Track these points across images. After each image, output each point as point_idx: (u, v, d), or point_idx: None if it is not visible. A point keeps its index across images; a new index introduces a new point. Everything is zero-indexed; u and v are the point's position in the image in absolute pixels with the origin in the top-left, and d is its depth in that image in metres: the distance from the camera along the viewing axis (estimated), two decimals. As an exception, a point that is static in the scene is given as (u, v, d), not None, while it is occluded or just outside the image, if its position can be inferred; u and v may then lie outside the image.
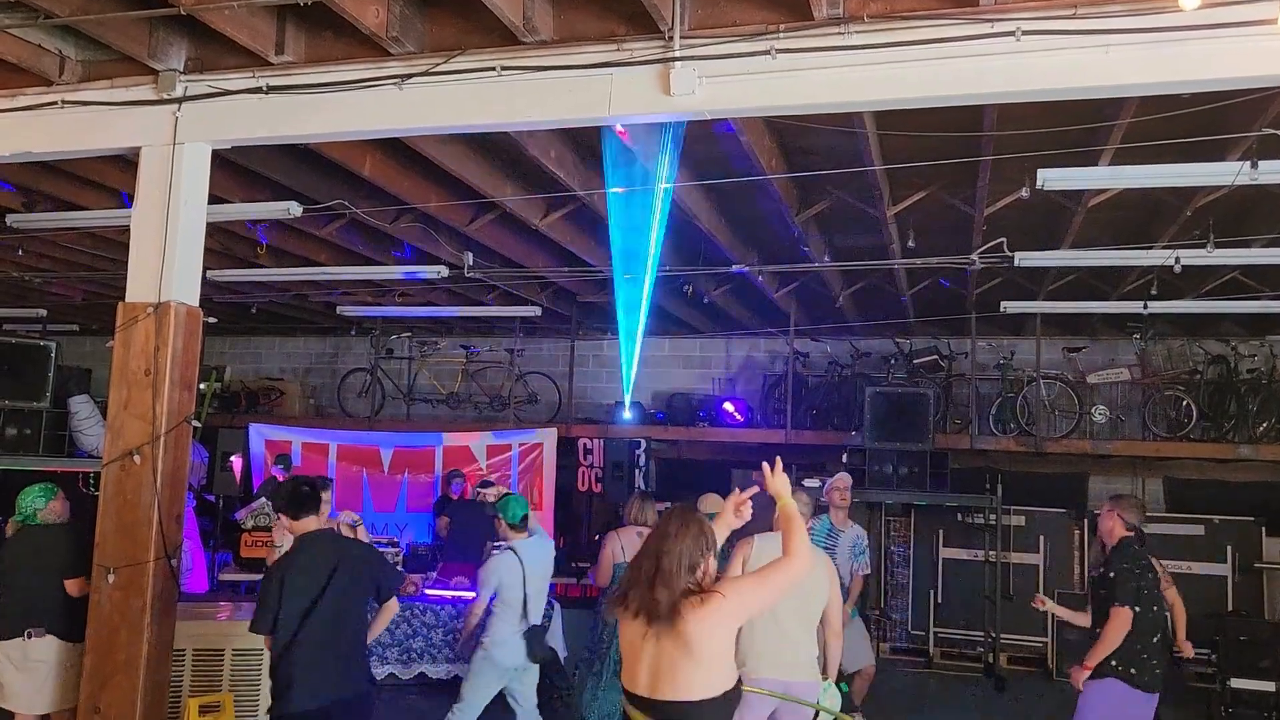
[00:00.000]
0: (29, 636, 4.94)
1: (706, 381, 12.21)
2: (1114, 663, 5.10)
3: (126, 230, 8.07)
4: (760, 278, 8.59)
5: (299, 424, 11.56)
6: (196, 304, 4.84)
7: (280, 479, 9.74)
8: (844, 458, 9.48)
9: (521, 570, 5.52)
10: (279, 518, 7.16)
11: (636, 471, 10.49)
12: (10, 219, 7.30)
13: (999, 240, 6.94)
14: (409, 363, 12.32)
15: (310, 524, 4.55)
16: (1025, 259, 6.89)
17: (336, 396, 12.46)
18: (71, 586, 4.96)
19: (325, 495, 7.34)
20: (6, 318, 12.09)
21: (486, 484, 9.78)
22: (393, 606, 4.74)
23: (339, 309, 11.04)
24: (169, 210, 4.73)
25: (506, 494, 6.13)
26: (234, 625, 5.32)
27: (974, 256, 7.16)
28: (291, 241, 8.40)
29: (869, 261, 7.83)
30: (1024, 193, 5.44)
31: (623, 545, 6.41)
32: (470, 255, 8.42)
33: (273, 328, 13.37)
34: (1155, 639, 5.12)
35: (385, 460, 10.88)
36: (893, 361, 10.75)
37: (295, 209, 6.70)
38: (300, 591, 4.35)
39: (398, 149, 6.11)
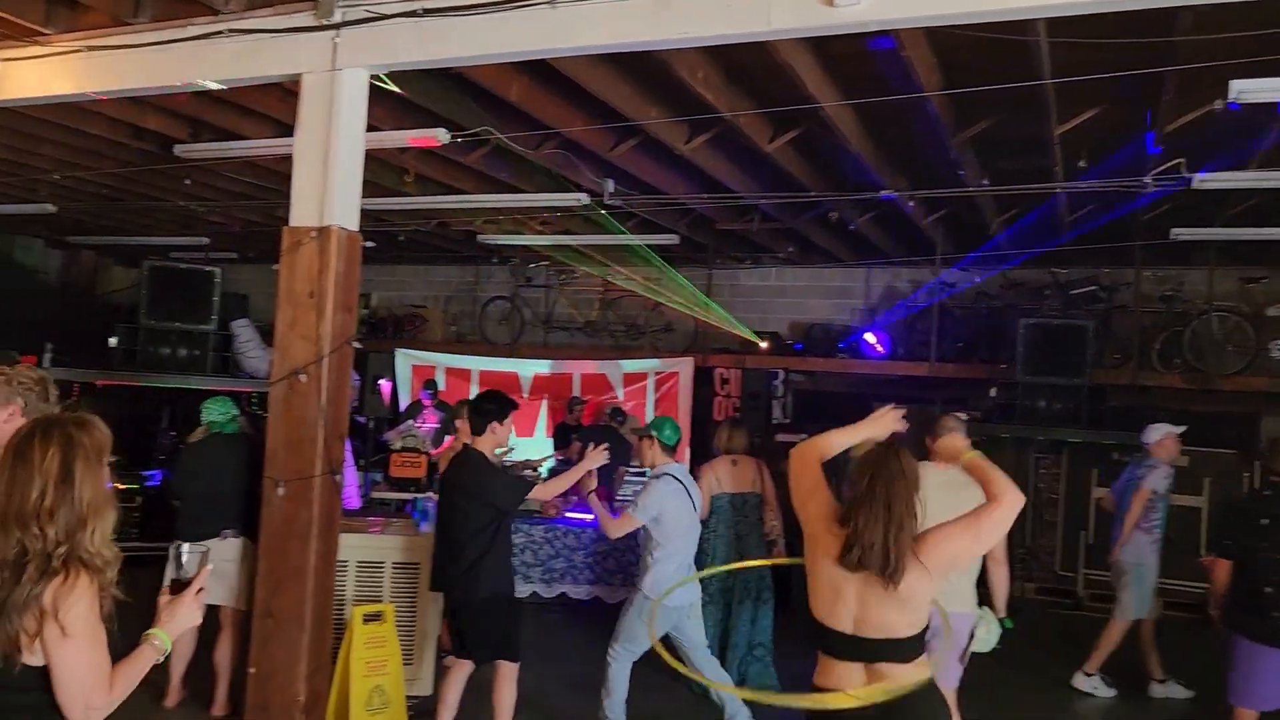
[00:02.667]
0: (224, 537, 5.28)
1: (846, 312, 11.91)
2: (1235, 613, 4.85)
3: (284, 159, 8.37)
4: (911, 204, 8.26)
5: (442, 349, 11.86)
6: (356, 228, 4.95)
7: (427, 403, 10.06)
8: (992, 392, 9.15)
9: (689, 496, 5.26)
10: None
11: (774, 403, 10.40)
12: (177, 149, 7.61)
13: (1177, 161, 6.45)
14: (547, 291, 12.46)
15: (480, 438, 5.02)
16: (1206, 181, 6.38)
17: (478, 323, 12.71)
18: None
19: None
20: (173, 246, 12.76)
21: (619, 413, 9.88)
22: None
23: (479, 238, 11.21)
24: (330, 136, 4.82)
25: (660, 417, 6.02)
26: (393, 539, 5.53)
27: (1148, 179, 6.69)
28: (437, 169, 8.51)
29: (1030, 185, 7.41)
30: (1216, 105, 5.00)
31: (717, 477, 6.33)
32: (611, 182, 8.37)
33: (416, 256, 13.69)
34: (1269, 588, 4.70)
35: (525, 386, 11.09)
36: (1047, 292, 10.25)
37: (443, 135, 6.77)
38: (441, 503, 5.01)
39: (544, 73, 6.05)
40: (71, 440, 2.31)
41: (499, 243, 11.26)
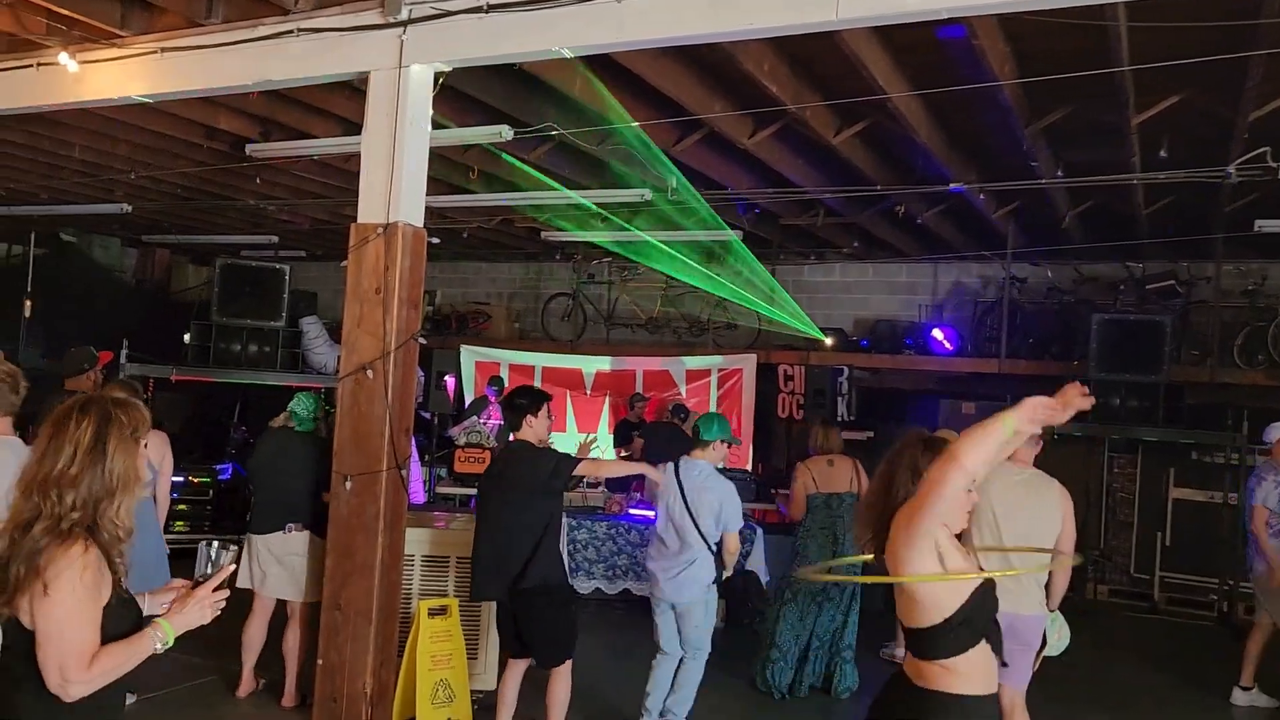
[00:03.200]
0: (288, 530, 5.34)
1: (912, 308, 11.71)
2: None
3: (351, 157, 8.46)
4: (981, 197, 8.08)
5: (506, 346, 11.92)
6: (421, 225, 4.97)
7: (492, 400, 10.13)
8: (1066, 389, 8.88)
9: (678, 487, 5.19)
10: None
11: (839, 399, 10.26)
12: (249, 148, 7.75)
13: (1261, 150, 6.21)
14: (609, 287, 12.46)
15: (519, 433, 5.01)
16: (1294, 171, 6.13)
17: (540, 320, 12.74)
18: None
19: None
20: (244, 244, 13.03)
21: (681, 409, 9.84)
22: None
23: (543, 234, 11.24)
24: (396, 134, 4.85)
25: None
26: (457, 535, 5.56)
27: (1230, 169, 6.45)
28: (501, 166, 8.54)
29: (1106, 177, 7.19)
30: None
31: (814, 476, 6.28)
32: (674, 178, 8.34)
33: (479, 253, 13.80)
34: None
35: (588, 382, 11.11)
36: (1122, 287, 9.97)
37: (507, 133, 6.78)
38: (483, 493, 5.02)
39: (609, 67, 6.02)
40: (108, 414, 2.36)
41: (562, 239, 11.28)
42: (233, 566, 2.55)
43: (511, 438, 5.10)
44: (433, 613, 5.01)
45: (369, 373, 4.85)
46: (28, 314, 8.50)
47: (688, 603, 5.17)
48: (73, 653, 2.24)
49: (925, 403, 10.46)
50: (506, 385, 10.51)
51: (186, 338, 8.56)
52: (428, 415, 10.73)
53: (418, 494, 10.66)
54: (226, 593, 2.52)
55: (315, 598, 5.25)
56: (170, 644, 2.41)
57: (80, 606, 2.25)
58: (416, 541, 5.37)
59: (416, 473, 10.86)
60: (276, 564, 5.35)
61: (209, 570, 2.51)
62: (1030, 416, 2.50)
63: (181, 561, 5.94)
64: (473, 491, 8.95)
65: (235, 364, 8.73)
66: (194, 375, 8.56)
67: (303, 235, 12.70)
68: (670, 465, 5.30)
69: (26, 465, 2.36)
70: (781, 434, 10.95)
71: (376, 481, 4.81)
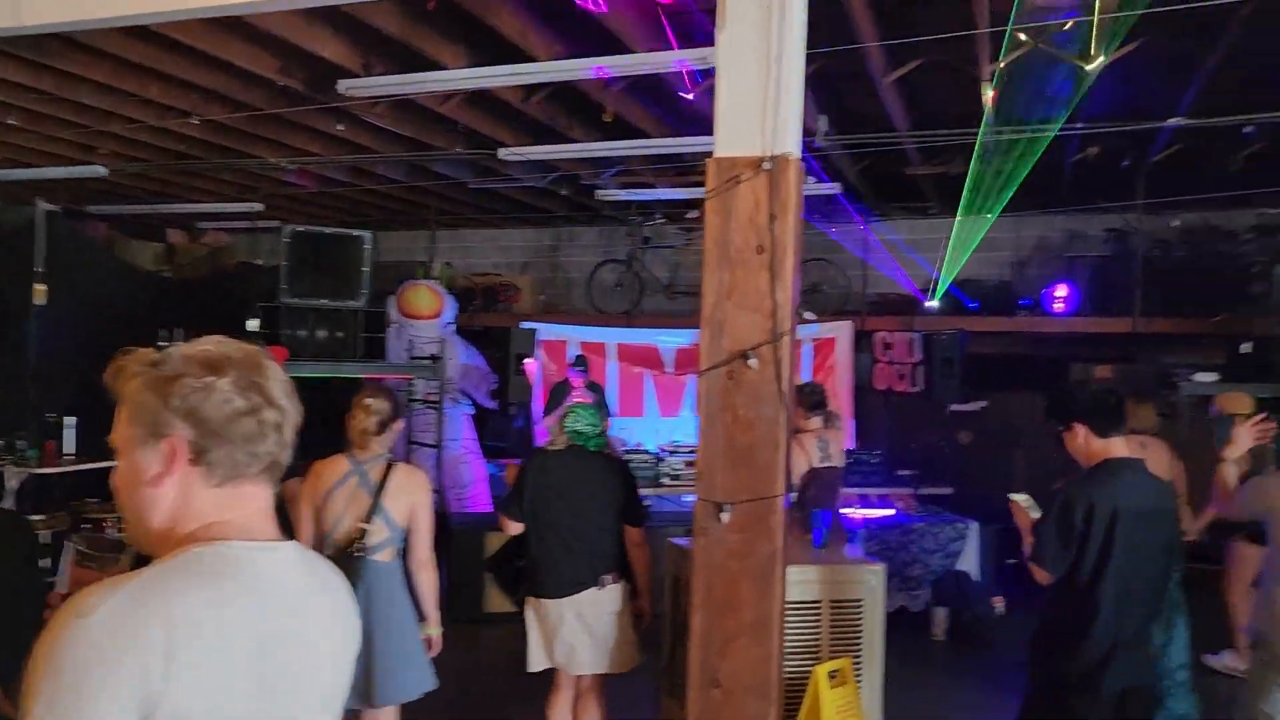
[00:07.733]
0: (602, 585, 3.95)
1: (993, 267, 10.86)
2: None
3: (449, 98, 6.91)
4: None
5: (574, 321, 10.42)
6: (799, 156, 3.66)
7: (576, 384, 8.74)
8: (1244, 348, 8.14)
9: None
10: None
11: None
12: (343, 84, 6.09)
13: None
14: (655, 251, 11.10)
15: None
16: None
17: (588, 291, 11.27)
18: (634, 535, 3.98)
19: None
20: (207, 214, 11.08)
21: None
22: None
23: (598, 194, 9.83)
24: (776, 28, 3.50)
25: None
26: (827, 570, 4.27)
27: None
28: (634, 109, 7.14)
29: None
30: None
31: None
32: (825, 120, 7.19)
33: (485, 218, 12.21)
34: None
35: (667, 360, 9.80)
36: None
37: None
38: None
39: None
40: None
41: (617, 199, 9.91)
42: None
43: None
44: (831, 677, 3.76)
45: (751, 363, 3.53)
46: (43, 301, 6.60)
47: None
48: None
49: (1044, 369, 9.63)
50: (589, 366, 9.13)
51: (251, 324, 6.81)
52: (495, 405, 9.26)
53: (483, 500, 9.25)
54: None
55: (629, 665, 3.93)
56: None
57: None
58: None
59: (479, 474, 9.42)
60: (587, 632, 3.96)
61: None
62: None
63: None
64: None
65: (307, 353, 7.06)
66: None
67: (296, 203, 10.87)
68: None
69: None
70: (880, 410, 9.93)
71: (770, 511, 3.51)
